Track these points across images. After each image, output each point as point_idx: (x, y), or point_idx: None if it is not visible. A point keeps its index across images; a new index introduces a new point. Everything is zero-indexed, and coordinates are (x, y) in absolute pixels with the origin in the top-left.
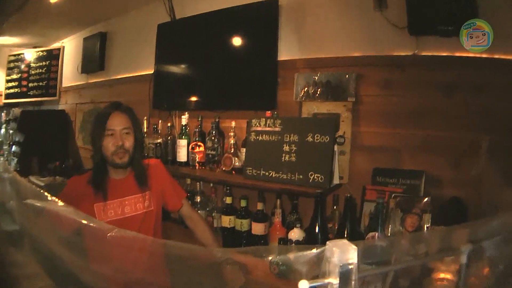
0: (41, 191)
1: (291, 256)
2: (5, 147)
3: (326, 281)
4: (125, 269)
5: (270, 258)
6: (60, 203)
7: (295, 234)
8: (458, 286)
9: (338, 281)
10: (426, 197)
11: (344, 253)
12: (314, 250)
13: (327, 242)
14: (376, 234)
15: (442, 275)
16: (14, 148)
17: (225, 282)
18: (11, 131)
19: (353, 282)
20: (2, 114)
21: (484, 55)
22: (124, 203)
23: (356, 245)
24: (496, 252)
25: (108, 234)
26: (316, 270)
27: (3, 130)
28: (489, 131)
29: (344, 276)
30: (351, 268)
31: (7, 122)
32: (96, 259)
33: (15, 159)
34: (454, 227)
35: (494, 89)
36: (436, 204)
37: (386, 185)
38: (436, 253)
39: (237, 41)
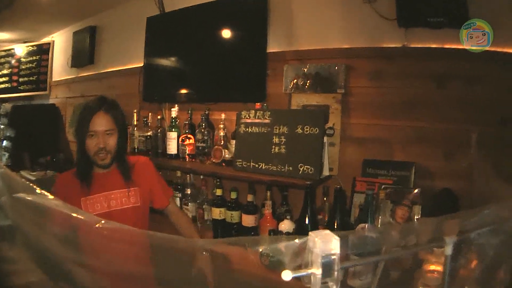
0: (31, 185)
1: (281, 246)
2: None
3: (309, 271)
4: (113, 260)
5: (260, 249)
6: (50, 197)
7: (285, 225)
8: (444, 278)
9: (320, 271)
10: (416, 189)
11: (326, 243)
12: (297, 241)
13: (310, 233)
14: (366, 225)
15: (432, 267)
16: (5, 143)
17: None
18: (2, 126)
19: (335, 273)
20: None
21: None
22: (110, 197)
23: (340, 236)
24: (484, 243)
25: (96, 225)
26: (299, 260)
27: None
28: (480, 123)
29: (327, 266)
30: (334, 258)
31: None
32: (84, 251)
33: (6, 154)
34: (441, 217)
35: (485, 81)
36: (427, 196)
37: (376, 176)
38: (422, 244)
39: (226, 33)
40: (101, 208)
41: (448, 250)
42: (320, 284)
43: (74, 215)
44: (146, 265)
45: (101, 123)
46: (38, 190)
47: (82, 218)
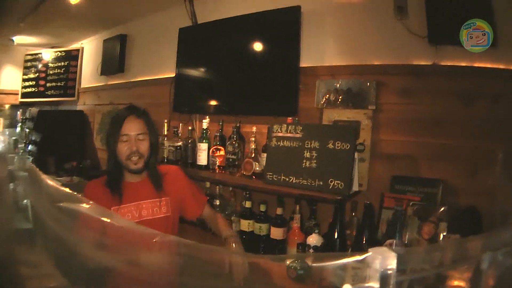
0: (70, 192)
1: (309, 261)
2: (21, 145)
3: (367, 285)
4: (159, 270)
5: (288, 262)
6: (93, 206)
7: (313, 239)
8: None
9: (378, 285)
10: (442, 206)
11: (385, 259)
12: (359, 257)
13: (369, 249)
14: (394, 241)
15: (456, 283)
16: (30, 147)
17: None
18: (27, 130)
19: (391, 287)
20: (18, 112)
21: (501, 66)
22: (141, 207)
23: (397, 252)
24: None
25: (154, 240)
26: (356, 274)
27: (18, 129)
28: (505, 141)
29: (384, 280)
30: (390, 273)
31: (23, 121)
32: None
33: (31, 158)
34: (482, 235)
35: (511, 99)
36: (452, 213)
37: (404, 193)
38: (463, 260)
39: (258, 46)
40: (132, 218)
41: (485, 264)
42: None
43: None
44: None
45: (133, 127)
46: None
47: (140, 231)
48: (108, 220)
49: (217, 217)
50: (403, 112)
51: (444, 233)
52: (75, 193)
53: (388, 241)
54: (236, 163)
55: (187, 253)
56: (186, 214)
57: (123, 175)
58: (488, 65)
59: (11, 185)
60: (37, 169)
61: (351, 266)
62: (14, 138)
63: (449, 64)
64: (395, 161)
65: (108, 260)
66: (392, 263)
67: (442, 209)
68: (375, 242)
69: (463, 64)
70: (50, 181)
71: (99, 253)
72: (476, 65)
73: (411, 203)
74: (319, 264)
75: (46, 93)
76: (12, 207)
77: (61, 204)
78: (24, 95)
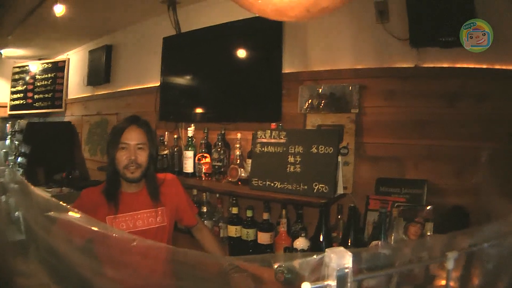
0: (58, 202)
1: (296, 262)
2: (11, 158)
3: (325, 283)
4: (141, 276)
5: (275, 266)
6: (79, 213)
7: (300, 243)
8: None
9: (335, 283)
10: (428, 206)
11: (340, 258)
12: (315, 256)
13: (326, 250)
14: (380, 242)
15: (443, 282)
16: (20, 159)
17: None
18: (16, 143)
19: (348, 284)
20: (7, 125)
21: (484, 66)
22: (137, 217)
23: (353, 252)
24: (488, 258)
25: (132, 244)
26: (317, 274)
27: (8, 141)
28: (490, 140)
29: (341, 279)
30: (347, 271)
31: (13, 133)
32: (112, 267)
33: (21, 170)
34: (451, 233)
35: (495, 99)
36: (438, 213)
37: (389, 194)
38: (429, 259)
39: (242, 53)
40: (126, 228)
41: (450, 264)
42: None
43: (107, 232)
44: (169, 281)
45: (133, 136)
46: (66, 207)
47: (117, 236)
48: (87, 226)
49: (211, 238)
50: (386, 115)
51: (431, 233)
52: (64, 204)
53: (374, 243)
54: (222, 169)
55: (177, 259)
56: (183, 222)
57: (120, 185)
58: (471, 65)
59: (3, 198)
60: (27, 181)
61: (310, 266)
62: (4, 150)
63: (431, 65)
64: (380, 163)
65: (91, 265)
66: (348, 262)
67: (428, 209)
68: (361, 244)
69: (445, 65)
70: (39, 193)
71: (82, 258)
72: (458, 65)
73: (396, 204)
74: (279, 264)
75: (34, 105)
76: (5, 219)
77: (49, 213)
78: (12, 107)
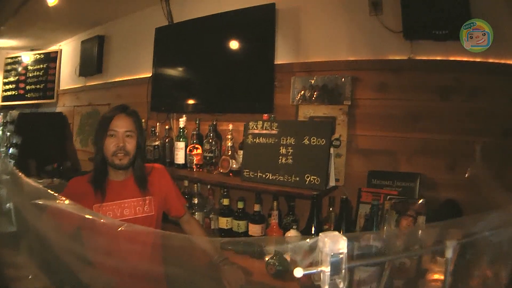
0: (47, 190)
1: (287, 255)
2: (2, 149)
3: (319, 269)
4: (131, 261)
5: (267, 258)
6: (67, 201)
7: (292, 235)
8: (445, 281)
9: (329, 269)
10: (420, 199)
11: (335, 243)
12: (308, 241)
13: (320, 234)
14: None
15: (436, 276)
16: (11, 150)
17: (227, 282)
18: (8, 134)
19: (343, 271)
20: None
21: (478, 59)
22: (124, 206)
23: (347, 237)
24: (482, 248)
25: (118, 229)
26: (310, 259)
27: (0, 133)
28: (483, 134)
29: (335, 264)
30: (341, 257)
31: (4, 124)
32: (101, 253)
33: (12, 161)
34: (443, 223)
35: (489, 93)
36: (431, 206)
37: (382, 187)
38: (425, 248)
39: (234, 44)
40: (113, 216)
41: (449, 253)
42: (329, 281)
43: (94, 218)
44: (159, 265)
45: (122, 124)
46: (54, 195)
47: (105, 222)
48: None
49: (199, 230)
50: (379, 107)
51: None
52: (53, 192)
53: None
54: (214, 161)
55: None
56: (171, 212)
57: (108, 173)
58: (465, 59)
59: None
60: (18, 172)
61: (304, 251)
62: None
63: (424, 58)
64: (372, 156)
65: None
66: (342, 247)
67: (420, 202)
68: None
69: (439, 58)
70: (31, 183)
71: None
72: (452, 58)
73: (388, 197)
74: (270, 248)
75: (26, 95)
76: None
77: (38, 201)
78: (4, 98)
